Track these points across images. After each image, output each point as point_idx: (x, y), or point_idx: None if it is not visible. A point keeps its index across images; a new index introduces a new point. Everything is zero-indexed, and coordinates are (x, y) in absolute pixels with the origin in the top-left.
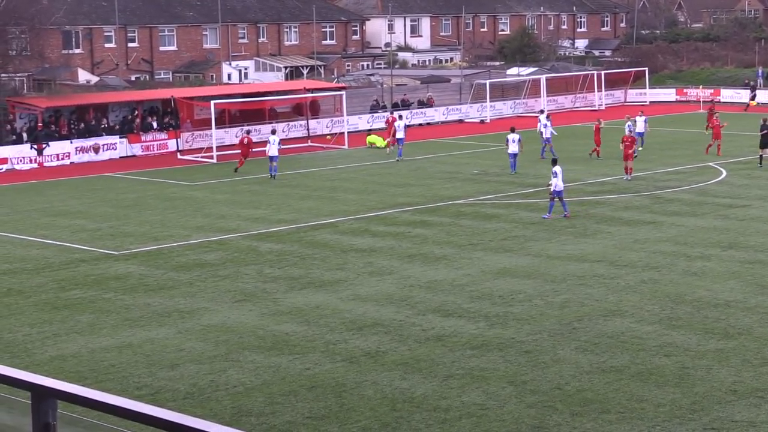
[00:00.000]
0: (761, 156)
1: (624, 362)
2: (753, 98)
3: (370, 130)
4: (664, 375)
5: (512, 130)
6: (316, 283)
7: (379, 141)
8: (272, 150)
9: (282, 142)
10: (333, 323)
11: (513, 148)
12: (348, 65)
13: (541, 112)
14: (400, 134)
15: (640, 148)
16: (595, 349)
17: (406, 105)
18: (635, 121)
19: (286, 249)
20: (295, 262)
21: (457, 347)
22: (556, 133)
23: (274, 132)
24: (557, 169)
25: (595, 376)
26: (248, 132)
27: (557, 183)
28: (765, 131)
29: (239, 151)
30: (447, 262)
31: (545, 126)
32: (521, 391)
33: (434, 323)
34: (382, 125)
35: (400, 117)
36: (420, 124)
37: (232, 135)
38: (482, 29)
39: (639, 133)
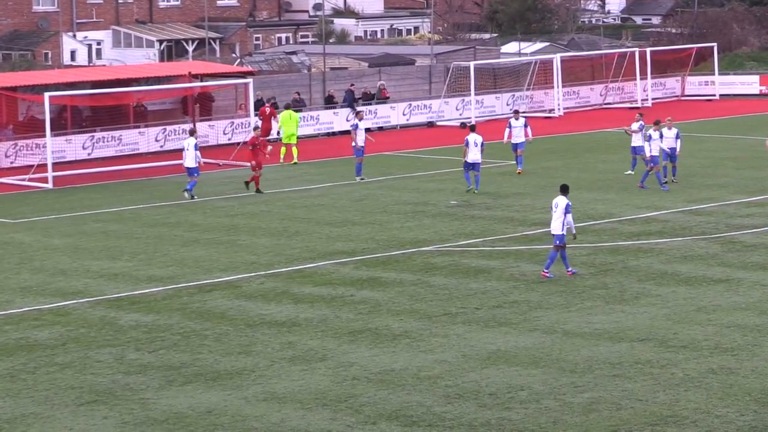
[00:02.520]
0: None
1: None
2: None
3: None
4: None
5: (472, 129)
6: (208, 374)
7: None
8: (188, 159)
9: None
10: None
11: (473, 155)
12: (257, 38)
13: (516, 113)
14: (361, 140)
15: (672, 179)
16: None
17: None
18: (660, 134)
19: (160, 322)
20: (176, 342)
21: None
22: (531, 139)
23: (192, 133)
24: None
25: None
26: (256, 129)
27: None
28: None
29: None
30: (410, 341)
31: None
32: None
33: None
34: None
35: (359, 117)
36: (367, 130)
37: (77, 145)
38: None
39: (667, 150)
